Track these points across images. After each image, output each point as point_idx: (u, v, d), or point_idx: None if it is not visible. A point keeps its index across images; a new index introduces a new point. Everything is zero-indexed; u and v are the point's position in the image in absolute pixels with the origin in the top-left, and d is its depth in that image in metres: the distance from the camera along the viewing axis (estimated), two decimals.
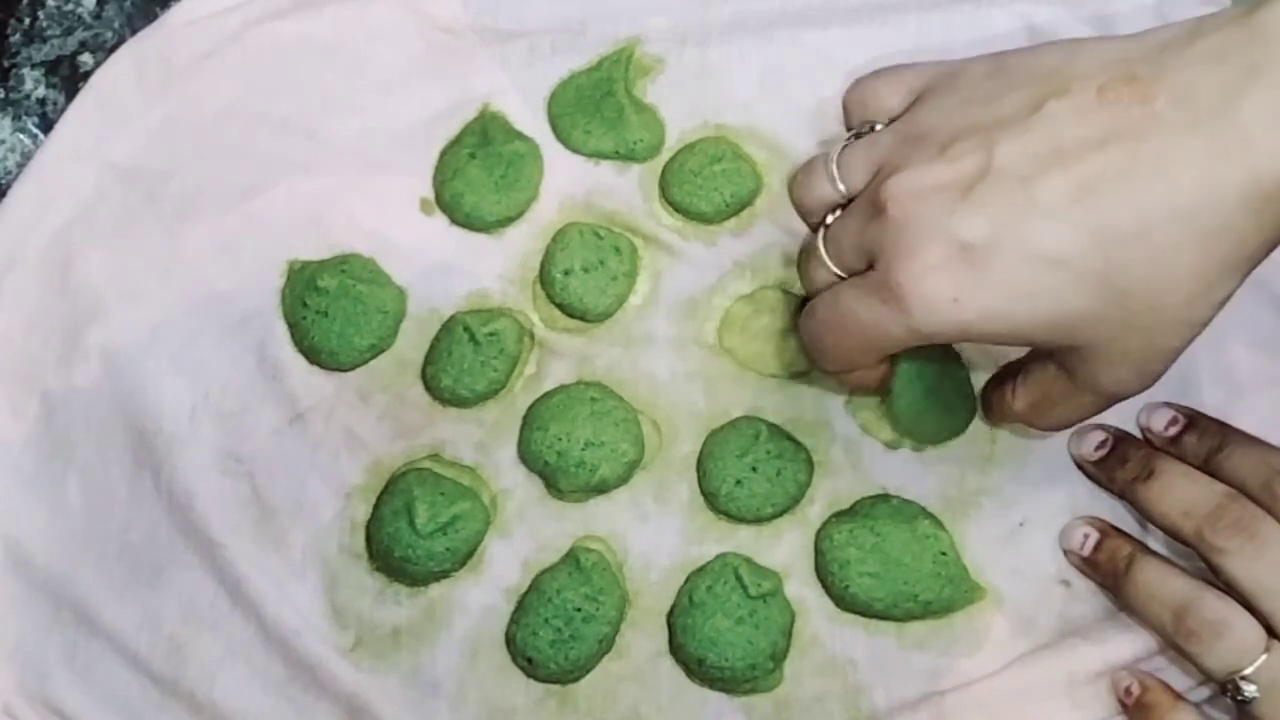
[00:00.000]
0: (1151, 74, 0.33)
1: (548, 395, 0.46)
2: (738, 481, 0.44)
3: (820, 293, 0.39)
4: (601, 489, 0.45)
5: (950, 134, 0.35)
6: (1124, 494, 0.42)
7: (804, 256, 0.40)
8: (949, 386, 0.45)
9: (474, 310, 0.47)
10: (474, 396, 0.46)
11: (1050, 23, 0.49)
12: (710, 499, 0.45)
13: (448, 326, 0.47)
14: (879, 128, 0.39)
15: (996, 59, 0.37)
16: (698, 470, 0.45)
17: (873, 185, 0.37)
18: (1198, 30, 0.34)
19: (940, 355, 0.45)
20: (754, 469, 0.44)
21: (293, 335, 0.47)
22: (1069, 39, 0.37)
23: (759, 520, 0.45)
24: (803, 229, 0.49)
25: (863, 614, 0.44)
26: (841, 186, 0.38)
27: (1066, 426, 0.40)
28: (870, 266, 0.36)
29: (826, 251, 0.38)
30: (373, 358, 0.47)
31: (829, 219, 0.39)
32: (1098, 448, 0.43)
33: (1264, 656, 0.37)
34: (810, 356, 0.40)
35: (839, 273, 0.38)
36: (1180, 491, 0.40)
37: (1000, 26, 0.49)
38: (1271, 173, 0.31)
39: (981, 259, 0.33)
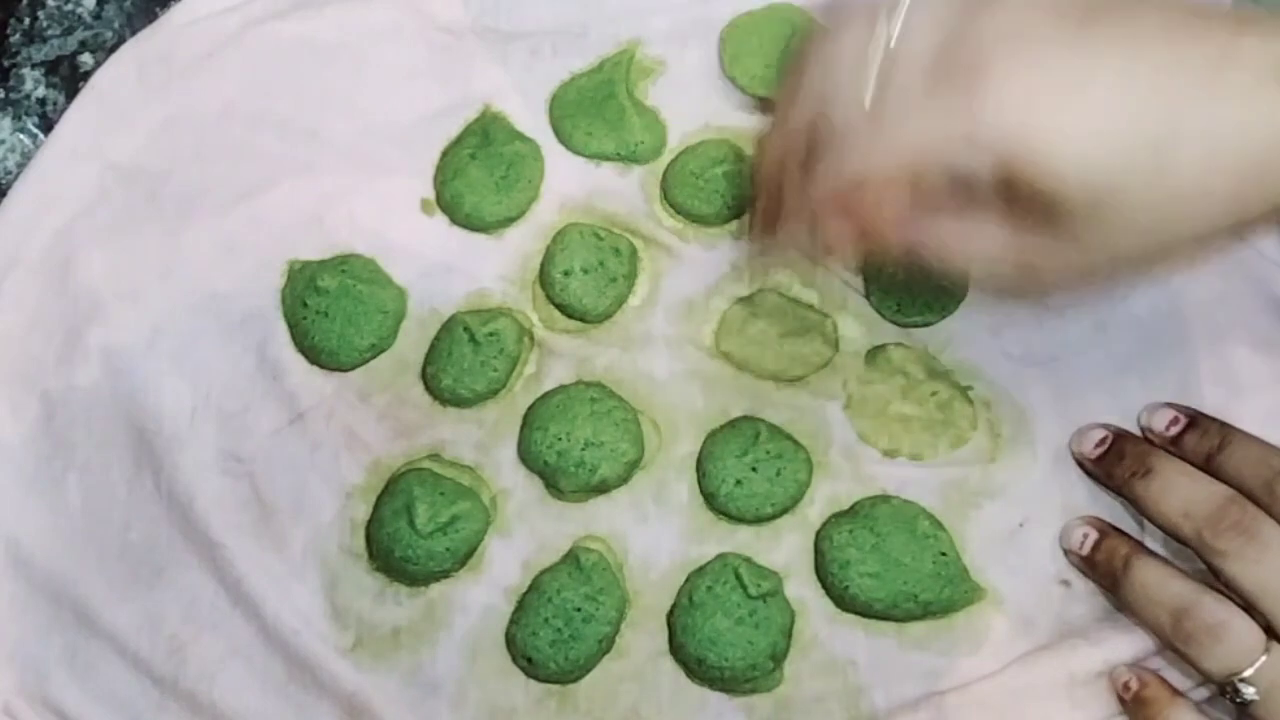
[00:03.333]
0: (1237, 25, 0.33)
1: (548, 395, 0.46)
2: (738, 481, 0.44)
3: (852, 91, 0.35)
4: (601, 489, 0.45)
5: None
6: (1124, 492, 0.42)
7: (820, 48, 0.37)
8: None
9: (474, 310, 0.48)
10: (474, 396, 0.46)
11: None
12: (710, 499, 0.45)
13: (448, 326, 0.47)
14: None
15: None
16: (697, 470, 0.45)
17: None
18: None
19: None
20: (754, 469, 0.44)
21: (293, 335, 0.47)
22: None
23: (759, 520, 0.45)
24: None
25: (863, 614, 0.44)
26: (892, 38, 0.35)
27: (962, 266, 0.38)
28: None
29: (889, 18, 0.35)
30: (373, 358, 0.47)
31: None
32: (1097, 445, 0.43)
33: (1263, 658, 0.37)
34: (821, 209, 0.37)
35: (886, 46, 0.35)
36: (1180, 492, 0.40)
37: None
38: None
39: (1079, 85, 0.32)
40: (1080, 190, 0.33)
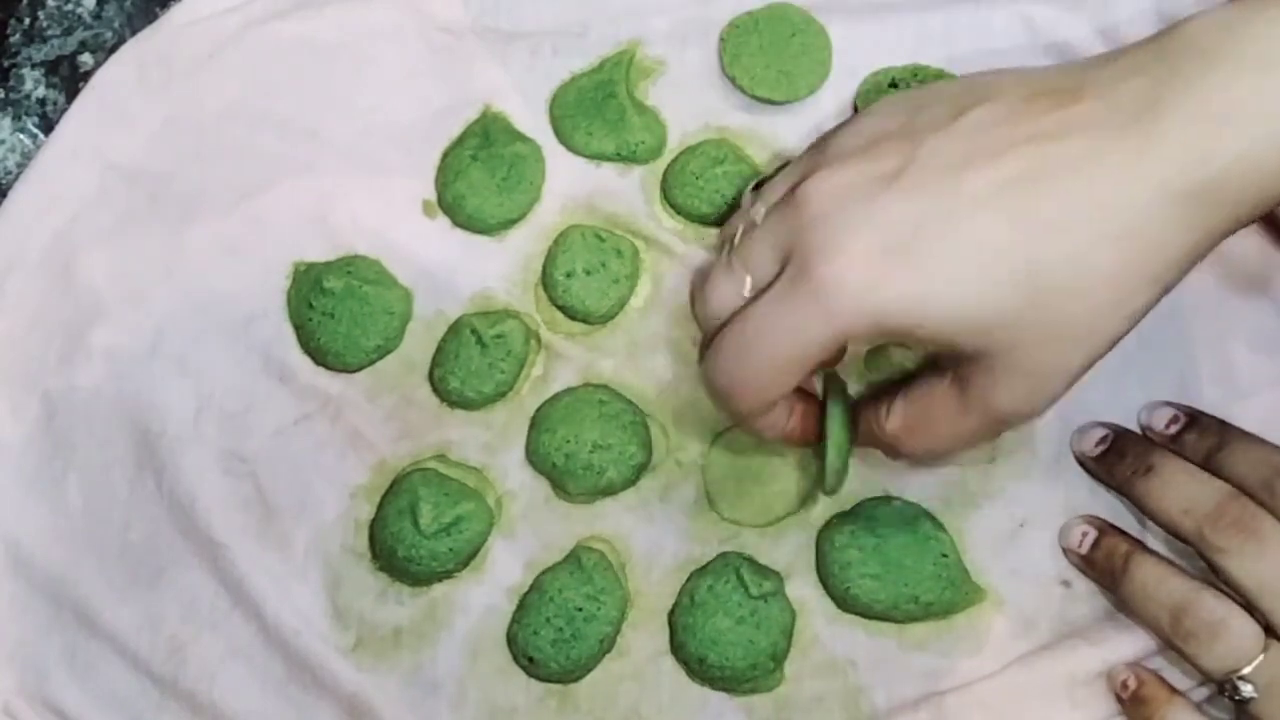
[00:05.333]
0: (1074, 86, 0.34)
1: (556, 397, 0.46)
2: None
3: (724, 321, 0.37)
4: (609, 491, 0.45)
5: (869, 139, 0.36)
6: (1124, 490, 0.42)
7: (703, 291, 0.38)
8: None
9: (481, 312, 0.47)
10: (481, 399, 0.46)
11: (1050, 22, 0.49)
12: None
13: (455, 329, 0.47)
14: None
15: (907, 93, 0.38)
16: (704, 473, 0.46)
17: (787, 195, 0.36)
18: (1118, 51, 0.35)
19: None
20: None
21: (299, 336, 0.47)
22: (985, 70, 0.37)
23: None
24: None
25: (863, 615, 0.44)
26: (752, 210, 0.38)
27: (937, 454, 0.39)
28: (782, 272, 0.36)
29: (737, 261, 0.37)
30: (379, 359, 0.47)
31: (736, 237, 0.38)
32: (1098, 443, 0.44)
33: (1261, 656, 0.37)
34: (722, 406, 0.38)
35: (746, 292, 0.37)
36: (1181, 489, 0.40)
37: (1000, 26, 0.49)
38: (1190, 173, 0.32)
39: (906, 246, 0.33)
40: (969, 330, 0.34)
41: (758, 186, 0.40)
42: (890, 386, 0.40)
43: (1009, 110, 0.34)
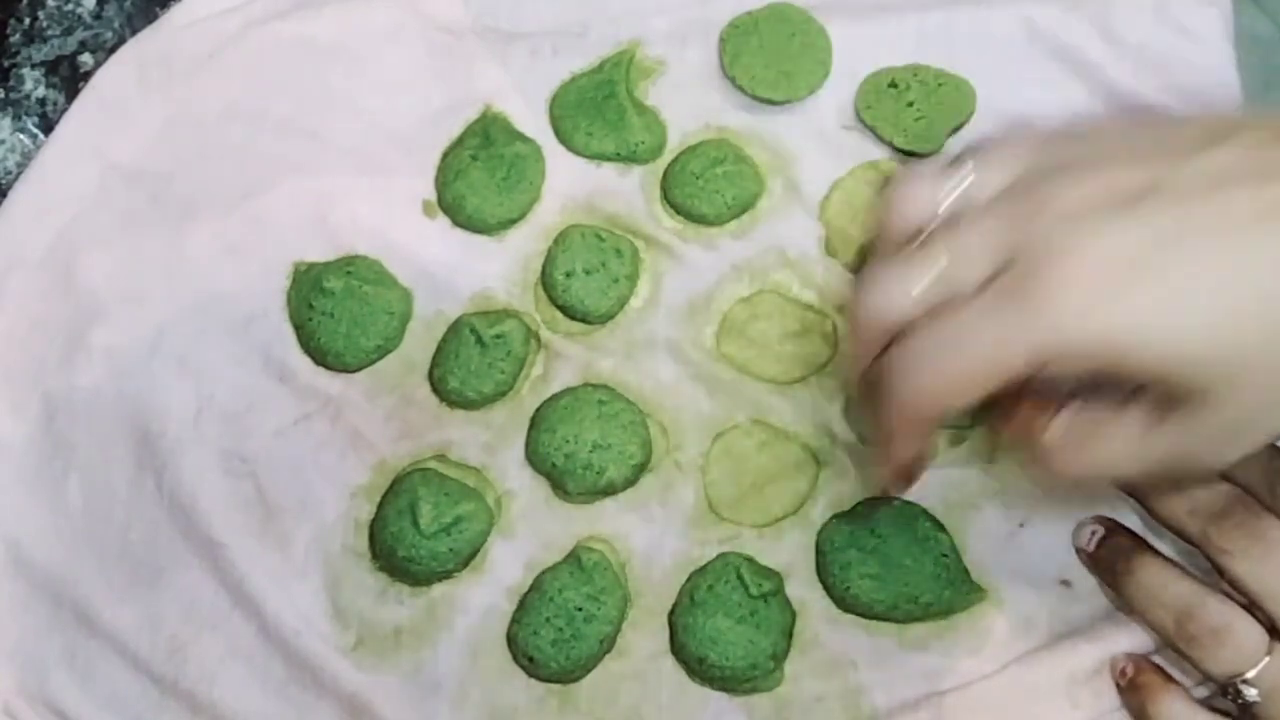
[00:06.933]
0: None
1: (555, 397, 0.46)
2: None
3: (900, 318, 0.33)
4: (609, 491, 0.45)
5: (1111, 154, 0.32)
6: (1130, 490, 0.42)
7: (879, 283, 0.34)
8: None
9: (481, 312, 0.47)
10: (481, 399, 0.46)
11: (1050, 23, 0.49)
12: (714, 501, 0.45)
13: (455, 328, 0.47)
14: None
15: (1133, 122, 0.35)
16: (704, 474, 0.46)
17: (1021, 187, 0.33)
18: None
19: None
20: None
21: (299, 336, 0.47)
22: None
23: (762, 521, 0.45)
24: (806, 233, 0.49)
25: (864, 615, 0.44)
26: (960, 186, 0.34)
27: (1088, 476, 0.35)
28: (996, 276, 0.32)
29: (947, 250, 0.33)
30: (379, 359, 0.47)
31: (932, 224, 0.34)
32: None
33: (1266, 660, 0.37)
34: (889, 415, 0.34)
35: (942, 284, 0.33)
36: (1186, 491, 0.40)
37: (1000, 26, 0.50)
38: None
39: (1139, 267, 0.30)
40: (1194, 366, 0.31)
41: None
42: (1039, 387, 0.36)
43: (1260, 140, 0.32)
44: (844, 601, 0.44)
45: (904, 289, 0.33)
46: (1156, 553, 0.41)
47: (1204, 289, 0.30)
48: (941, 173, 0.34)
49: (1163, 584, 0.39)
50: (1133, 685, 0.40)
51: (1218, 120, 0.33)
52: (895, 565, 0.43)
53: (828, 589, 0.44)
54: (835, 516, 0.45)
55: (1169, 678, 0.40)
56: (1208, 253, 0.30)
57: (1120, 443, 0.34)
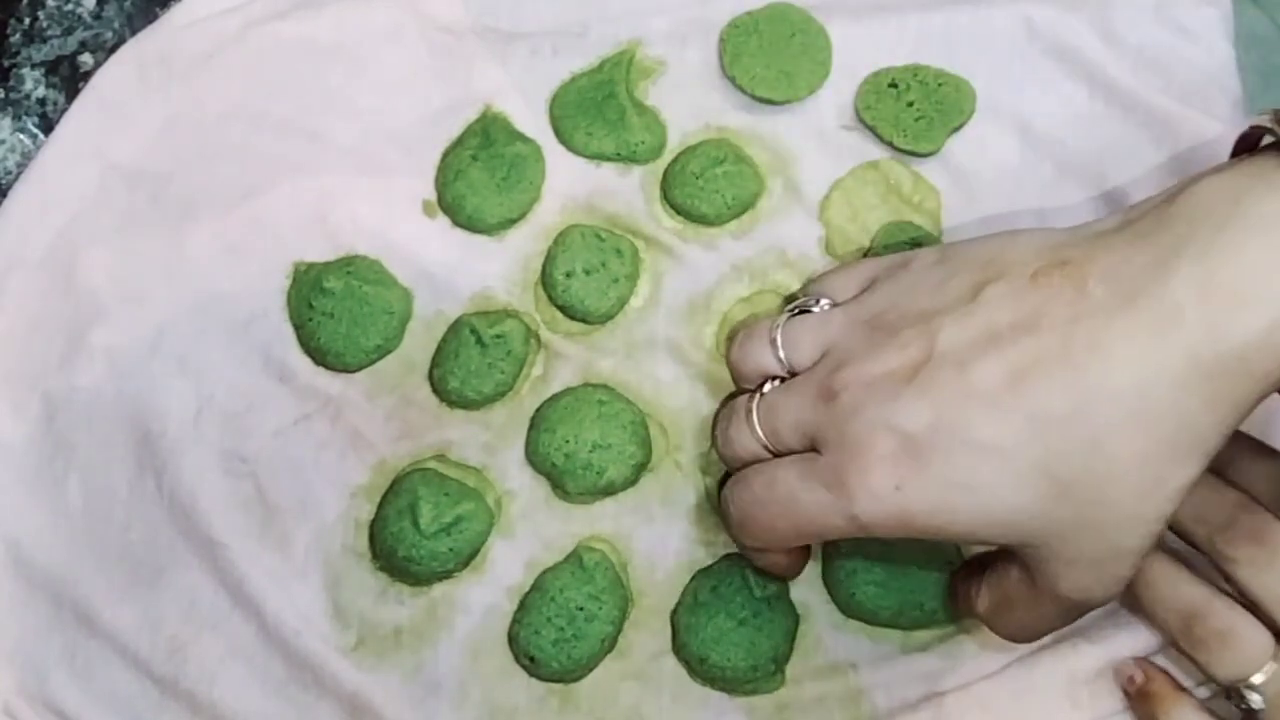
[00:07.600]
0: (1083, 257, 0.33)
1: (555, 397, 0.46)
2: None
3: (743, 462, 0.38)
4: (609, 491, 0.45)
5: (898, 319, 0.36)
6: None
7: (727, 420, 0.39)
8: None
9: (480, 312, 0.47)
10: (481, 399, 0.46)
11: (1050, 23, 0.49)
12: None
13: (454, 328, 0.47)
14: (825, 304, 0.39)
15: (943, 249, 0.38)
16: (705, 474, 0.46)
17: (822, 369, 0.37)
18: (1126, 217, 0.34)
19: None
20: None
21: (299, 337, 0.47)
22: (1008, 230, 0.37)
23: None
24: (805, 234, 0.49)
25: (868, 622, 0.44)
26: (784, 357, 0.38)
27: (1028, 638, 0.38)
28: (808, 449, 0.36)
29: (759, 421, 0.37)
30: (379, 359, 0.47)
31: (765, 387, 0.38)
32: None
33: (1271, 665, 0.37)
34: (729, 528, 0.39)
35: (767, 446, 0.37)
36: (1193, 497, 0.40)
37: (1000, 26, 0.50)
38: (1208, 349, 0.31)
39: (924, 448, 0.33)
40: (1001, 531, 0.34)
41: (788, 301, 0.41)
42: (983, 558, 0.40)
43: (1018, 289, 0.34)
44: (849, 607, 0.44)
45: (741, 444, 0.38)
46: (1165, 553, 0.41)
47: (986, 464, 0.33)
48: (770, 332, 0.39)
49: (1170, 585, 0.39)
50: (1142, 693, 0.40)
51: (991, 252, 0.36)
52: (901, 572, 0.43)
53: (832, 595, 0.44)
54: None
55: (1179, 685, 0.40)
56: (983, 423, 0.33)
57: (1022, 606, 0.37)
